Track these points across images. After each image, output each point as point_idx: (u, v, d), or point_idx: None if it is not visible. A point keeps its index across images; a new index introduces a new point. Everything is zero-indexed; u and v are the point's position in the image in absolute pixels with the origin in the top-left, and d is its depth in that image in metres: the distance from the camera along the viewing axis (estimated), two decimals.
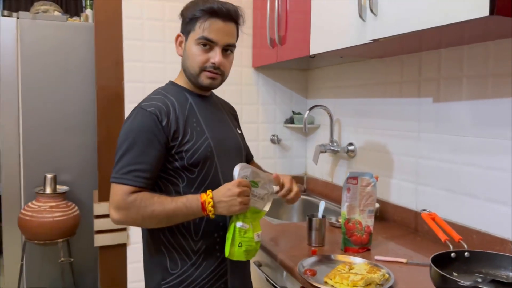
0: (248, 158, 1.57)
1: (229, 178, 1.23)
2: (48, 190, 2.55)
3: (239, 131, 1.46)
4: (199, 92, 1.34)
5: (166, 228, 1.24)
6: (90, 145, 2.72)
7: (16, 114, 2.67)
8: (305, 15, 1.84)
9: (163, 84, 2.27)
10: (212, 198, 1.17)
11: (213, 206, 1.16)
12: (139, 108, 1.24)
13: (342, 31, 1.56)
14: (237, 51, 2.43)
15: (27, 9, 3.18)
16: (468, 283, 0.88)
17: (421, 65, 1.72)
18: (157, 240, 1.26)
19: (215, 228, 1.26)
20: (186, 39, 1.28)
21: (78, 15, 2.91)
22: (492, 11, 0.98)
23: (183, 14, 1.29)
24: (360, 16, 1.42)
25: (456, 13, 1.07)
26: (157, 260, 1.26)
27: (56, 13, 2.73)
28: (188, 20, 1.26)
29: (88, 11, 2.75)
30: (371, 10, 1.36)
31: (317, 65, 2.45)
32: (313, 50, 1.79)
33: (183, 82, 1.34)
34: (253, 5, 2.41)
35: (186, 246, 1.24)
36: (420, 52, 1.72)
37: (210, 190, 1.19)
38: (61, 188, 2.63)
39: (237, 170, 1.20)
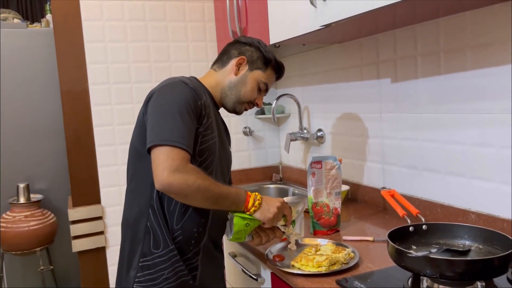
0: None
1: None
2: (22, 200, 2.53)
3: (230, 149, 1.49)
4: (217, 103, 1.40)
5: (156, 206, 1.23)
6: (62, 150, 2.69)
7: None
8: (263, 6, 1.85)
9: (129, 85, 2.30)
10: (261, 198, 1.24)
11: (260, 204, 1.22)
12: (179, 81, 1.23)
13: (297, 19, 1.58)
14: (202, 46, 2.49)
15: None
16: (420, 254, 0.90)
17: (378, 47, 1.75)
18: (145, 216, 1.24)
19: (197, 223, 1.26)
20: (250, 70, 1.37)
21: (39, 21, 2.86)
22: None
23: (259, 48, 1.38)
24: (311, 3, 1.43)
25: None
26: (141, 236, 1.24)
27: (16, 20, 2.69)
28: (263, 59, 1.38)
29: (49, 16, 2.71)
30: None
31: (283, 55, 2.46)
32: (272, 40, 1.80)
33: (208, 85, 1.36)
34: None
35: (165, 231, 1.23)
36: (376, 34, 1.74)
37: (258, 193, 1.26)
38: (35, 196, 2.61)
39: (292, 197, 1.35)
